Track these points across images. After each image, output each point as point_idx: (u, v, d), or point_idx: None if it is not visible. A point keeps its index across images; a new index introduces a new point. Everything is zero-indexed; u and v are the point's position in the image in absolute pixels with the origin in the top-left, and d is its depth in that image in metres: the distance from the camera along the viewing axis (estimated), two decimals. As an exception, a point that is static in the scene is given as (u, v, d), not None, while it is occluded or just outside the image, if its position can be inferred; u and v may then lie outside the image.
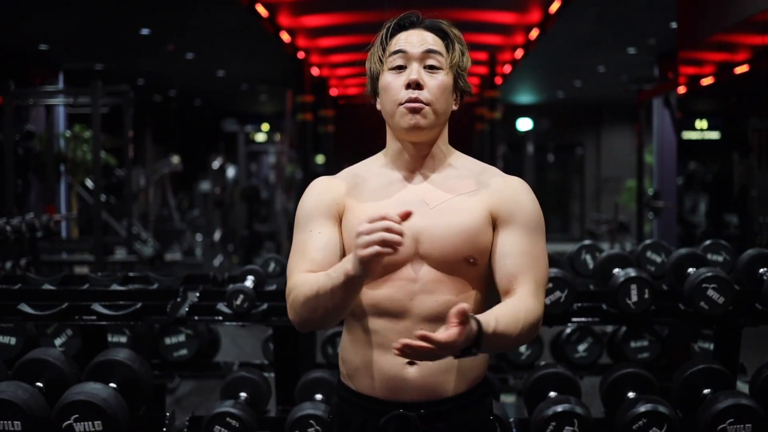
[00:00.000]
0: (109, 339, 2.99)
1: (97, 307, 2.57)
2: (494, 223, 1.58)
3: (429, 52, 1.58)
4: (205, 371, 3.28)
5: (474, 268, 1.56)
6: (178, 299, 2.69)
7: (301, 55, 9.27)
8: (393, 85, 1.58)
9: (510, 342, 1.48)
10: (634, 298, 2.55)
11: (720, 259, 2.91)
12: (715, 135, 6.62)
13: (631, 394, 2.45)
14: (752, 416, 2.24)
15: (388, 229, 1.33)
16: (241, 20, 7.56)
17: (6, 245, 4.43)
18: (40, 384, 2.29)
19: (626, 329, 3.02)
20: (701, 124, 6.61)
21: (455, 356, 1.37)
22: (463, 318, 1.32)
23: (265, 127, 15.22)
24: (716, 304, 2.49)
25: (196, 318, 2.76)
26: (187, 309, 2.76)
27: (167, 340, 3.09)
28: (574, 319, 2.67)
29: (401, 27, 1.62)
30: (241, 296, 2.69)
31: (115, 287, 2.83)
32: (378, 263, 1.37)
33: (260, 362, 3.30)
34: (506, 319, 1.44)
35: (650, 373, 2.54)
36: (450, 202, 1.57)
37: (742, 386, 2.70)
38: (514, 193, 1.60)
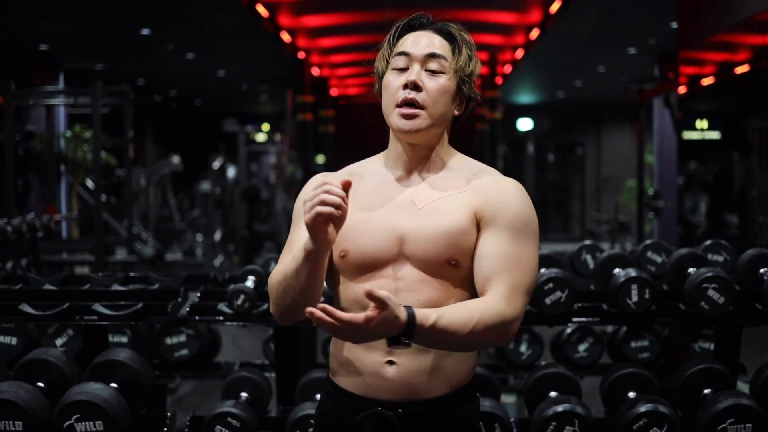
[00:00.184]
0: (110, 339, 2.99)
1: (98, 308, 2.57)
2: (478, 224, 1.55)
3: (432, 56, 1.57)
4: (205, 371, 3.28)
5: (456, 270, 1.54)
6: (179, 299, 2.70)
7: (301, 55, 9.26)
8: (392, 85, 1.58)
9: (458, 340, 1.43)
10: (635, 298, 2.55)
11: (720, 259, 2.91)
12: (715, 135, 6.61)
13: (631, 394, 2.45)
14: (752, 416, 2.24)
15: (327, 192, 1.38)
16: (242, 20, 7.55)
17: (6, 245, 4.42)
18: (41, 384, 2.29)
19: (627, 329, 3.02)
20: (701, 124, 6.60)
21: (388, 345, 1.38)
22: (380, 303, 1.31)
23: (266, 127, 15.23)
24: (716, 304, 2.49)
25: (196, 318, 2.77)
26: (187, 309, 2.76)
27: (168, 340, 3.09)
28: (575, 319, 2.68)
29: (411, 28, 1.62)
30: (242, 296, 2.69)
31: (116, 287, 2.83)
32: (323, 229, 1.41)
33: (261, 362, 3.29)
34: (453, 316, 1.42)
35: (650, 373, 2.54)
36: (437, 203, 1.56)
37: (743, 386, 2.70)
38: (500, 194, 1.56)
